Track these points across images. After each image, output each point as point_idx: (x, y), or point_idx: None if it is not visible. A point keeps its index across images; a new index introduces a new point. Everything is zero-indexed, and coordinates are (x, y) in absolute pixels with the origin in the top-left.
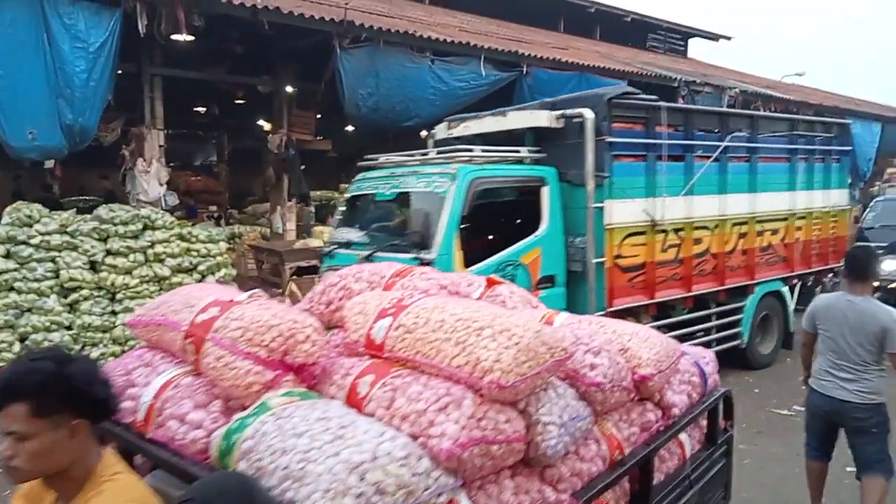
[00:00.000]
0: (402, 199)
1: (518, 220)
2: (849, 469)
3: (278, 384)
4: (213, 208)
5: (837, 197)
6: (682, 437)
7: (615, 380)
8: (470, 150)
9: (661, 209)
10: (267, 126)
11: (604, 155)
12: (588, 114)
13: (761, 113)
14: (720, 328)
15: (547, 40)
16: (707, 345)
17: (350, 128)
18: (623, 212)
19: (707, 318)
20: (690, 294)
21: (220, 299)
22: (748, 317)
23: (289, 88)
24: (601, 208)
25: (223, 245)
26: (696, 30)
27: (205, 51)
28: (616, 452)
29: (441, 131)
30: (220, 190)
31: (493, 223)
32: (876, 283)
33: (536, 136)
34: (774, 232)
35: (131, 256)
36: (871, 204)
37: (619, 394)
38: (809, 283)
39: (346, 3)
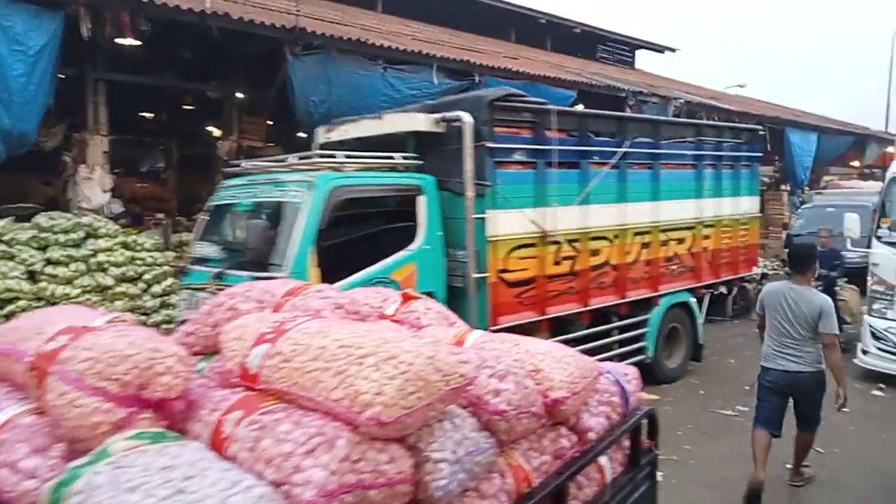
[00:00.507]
0: (259, 210)
1: (391, 233)
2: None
3: (132, 423)
4: (161, 216)
5: (748, 204)
6: (602, 460)
7: (522, 406)
8: (333, 157)
9: (552, 219)
10: (217, 132)
11: (485, 161)
12: (466, 117)
13: (664, 118)
14: (623, 343)
15: (499, 50)
16: (609, 360)
17: (302, 134)
18: (509, 223)
19: (608, 333)
20: (587, 308)
21: (73, 325)
22: (653, 330)
23: (239, 94)
24: (483, 219)
25: (170, 254)
26: (643, 42)
27: (152, 56)
28: (523, 485)
29: (320, 135)
30: (168, 197)
31: (361, 237)
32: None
33: (419, 142)
34: (680, 241)
35: (72, 266)
36: (798, 212)
37: (527, 421)
38: (721, 293)
39: (298, 10)
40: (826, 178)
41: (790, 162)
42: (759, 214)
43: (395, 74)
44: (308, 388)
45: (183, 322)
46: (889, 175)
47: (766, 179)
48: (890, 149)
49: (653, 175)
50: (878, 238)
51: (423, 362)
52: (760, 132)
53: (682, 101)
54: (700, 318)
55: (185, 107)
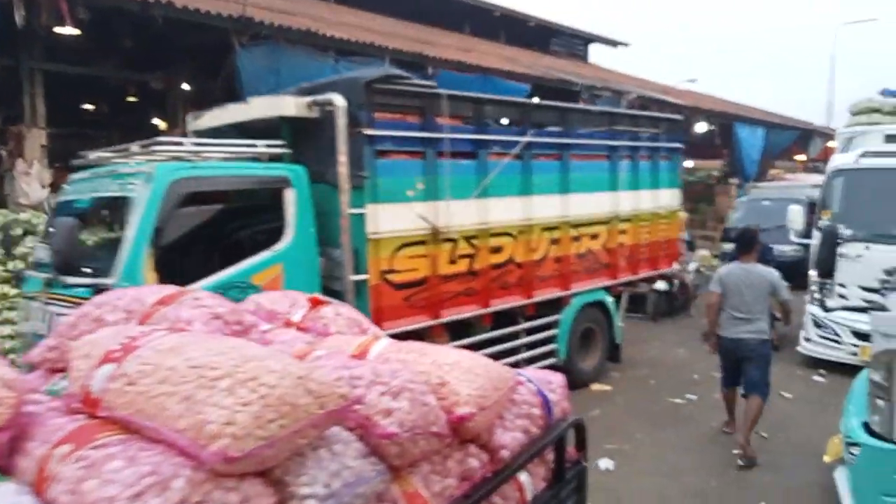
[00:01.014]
0: (98, 206)
1: (253, 232)
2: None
3: None
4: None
5: (668, 197)
6: (523, 477)
7: (418, 426)
8: (179, 144)
9: (445, 214)
10: (162, 125)
11: (363, 150)
12: (339, 100)
13: (574, 105)
14: (532, 345)
15: (452, 42)
16: (516, 365)
17: None
18: (393, 218)
19: (515, 336)
20: (489, 310)
21: None
22: (565, 331)
23: (185, 86)
24: (362, 214)
25: None
26: (596, 36)
27: (93, 45)
28: None
29: (189, 123)
30: None
31: (214, 236)
32: None
33: (293, 129)
34: (594, 237)
35: (10, 264)
36: (735, 204)
37: (424, 442)
38: (641, 290)
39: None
40: (772, 171)
41: (739, 156)
42: (681, 208)
43: (346, 66)
44: (152, 417)
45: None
46: (829, 168)
47: (715, 173)
48: (831, 143)
49: (562, 167)
50: (819, 229)
51: (291, 384)
52: (680, 122)
53: (634, 95)
54: (618, 318)
55: (129, 98)
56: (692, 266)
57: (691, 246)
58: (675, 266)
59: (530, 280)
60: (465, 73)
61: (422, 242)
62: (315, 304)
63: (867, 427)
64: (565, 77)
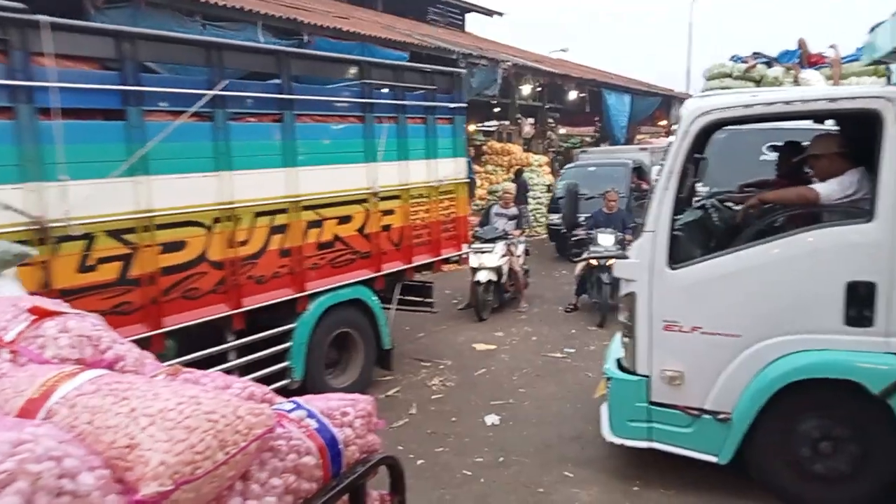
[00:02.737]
0: None
1: None
2: None
3: None
4: None
5: (450, 168)
6: None
7: None
8: None
9: (61, 202)
10: None
11: None
12: None
13: (295, 50)
14: (247, 369)
15: (328, 9)
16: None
17: None
18: None
19: (223, 358)
20: (163, 331)
21: None
22: (301, 343)
23: None
24: None
25: None
26: (472, 5)
27: None
28: None
29: None
30: None
31: None
32: (592, 260)
33: None
34: (344, 220)
35: None
36: (562, 171)
37: None
38: (425, 283)
39: None
40: (638, 136)
41: (608, 122)
42: (468, 180)
43: (214, 32)
44: None
45: None
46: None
47: (588, 139)
48: None
49: (285, 131)
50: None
51: None
52: (460, 75)
53: (510, 63)
54: (383, 318)
55: None
56: (521, 249)
57: (519, 224)
58: (503, 248)
59: (238, 284)
60: (342, 40)
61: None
62: (40, 314)
63: (619, 363)
64: (443, 45)
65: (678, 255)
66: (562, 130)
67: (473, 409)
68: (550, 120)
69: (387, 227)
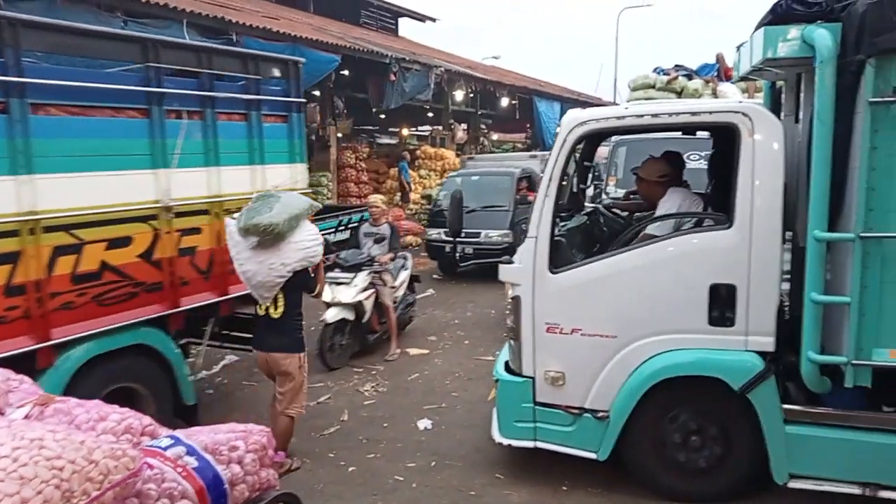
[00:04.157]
0: None
1: None
2: None
3: None
4: None
5: (285, 176)
6: None
7: None
8: None
9: None
10: None
11: None
12: None
13: (27, 17)
14: None
15: (257, 9)
16: None
17: None
18: None
19: None
20: None
21: None
22: None
23: None
24: None
25: None
26: (405, 10)
27: None
28: None
29: None
30: None
31: None
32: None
33: None
34: (118, 243)
35: None
36: (444, 181)
37: None
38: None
39: None
40: None
41: (539, 129)
42: (307, 190)
43: (136, 28)
44: None
45: None
46: (613, 140)
47: (520, 145)
48: None
49: (12, 125)
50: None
51: None
52: (298, 64)
53: (442, 69)
54: (183, 367)
55: None
56: (402, 277)
57: (392, 245)
58: (364, 279)
59: None
60: (272, 41)
61: None
62: None
63: (507, 365)
64: (376, 49)
65: (560, 259)
66: (494, 136)
67: (406, 414)
68: (483, 126)
69: (189, 251)
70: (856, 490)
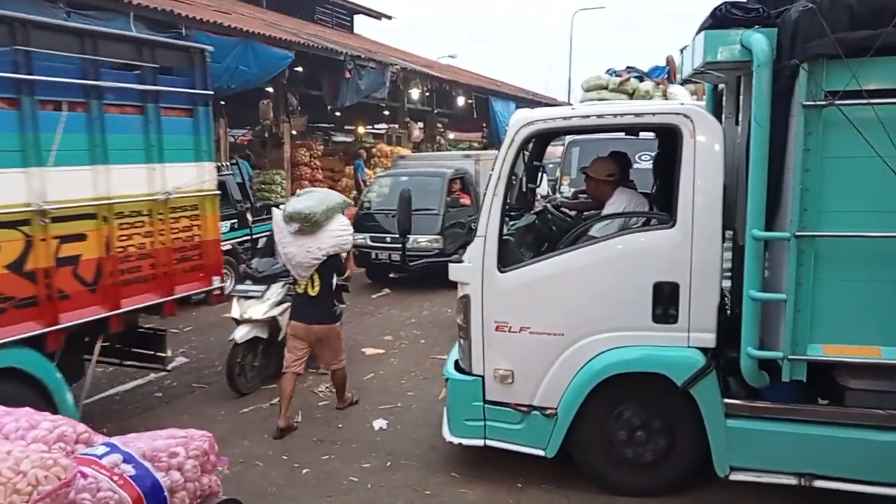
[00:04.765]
0: None
1: None
2: None
3: None
4: None
5: (190, 176)
6: None
7: None
8: None
9: None
10: None
11: None
12: None
13: None
14: None
15: (208, 3)
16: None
17: None
18: None
19: None
20: None
21: None
22: None
23: None
24: None
25: None
26: (361, 7)
27: None
28: None
29: None
30: None
31: None
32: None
33: None
34: None
35: None
36: (374, 180)
37: None
38: (155, 331)
39: None
40: None
41: (494, 128)
42: (216, 192)
43: (80, 20)
44: None
45: None
46: (567, 140)
47: (476, 144)
48: None
49: None
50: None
51: None
52: (204, 52)
53: (398, 67)
54: (64, 391)
55: None
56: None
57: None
58: (279, 292)
59: None
60: (224, 35)
61: None
62: None
63: (457, 364)
64: (330, 45)
65: (508, 258)
66: (451, 135)
67: (361, 414)
68: (439, 125)
69: (71, 260)
70: (793, 481)
